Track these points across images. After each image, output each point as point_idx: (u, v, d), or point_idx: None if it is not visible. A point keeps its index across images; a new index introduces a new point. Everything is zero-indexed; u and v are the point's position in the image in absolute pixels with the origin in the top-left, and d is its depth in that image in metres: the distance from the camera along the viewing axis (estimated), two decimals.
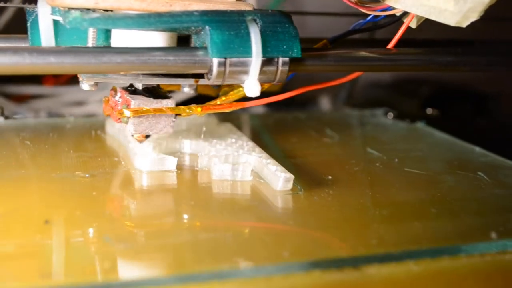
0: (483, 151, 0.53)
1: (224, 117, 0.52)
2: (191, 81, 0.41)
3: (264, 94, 0.41)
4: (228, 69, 0.37)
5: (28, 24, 0.41)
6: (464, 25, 0.38)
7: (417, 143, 0.56)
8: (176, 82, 0.41)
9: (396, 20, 0.42)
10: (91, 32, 0.40)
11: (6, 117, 0.55)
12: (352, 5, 0.40)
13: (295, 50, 0.38)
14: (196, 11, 0.37)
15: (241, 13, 0.38)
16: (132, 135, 0.43)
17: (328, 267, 0.32)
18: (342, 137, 0.56)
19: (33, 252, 0.32)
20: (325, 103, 0.74)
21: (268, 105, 0.62)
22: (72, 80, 0.69)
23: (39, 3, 0.41)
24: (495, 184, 0.46)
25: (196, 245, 0.34)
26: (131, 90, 0.42)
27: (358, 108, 0.67)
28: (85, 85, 0.42)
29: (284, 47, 0.38)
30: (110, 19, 0.37)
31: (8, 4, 0.48)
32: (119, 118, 0.42)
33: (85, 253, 0.33)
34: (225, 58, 0.37)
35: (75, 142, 0.49)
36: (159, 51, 0.37)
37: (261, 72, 0.38)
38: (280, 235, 0.36)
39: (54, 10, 0.40)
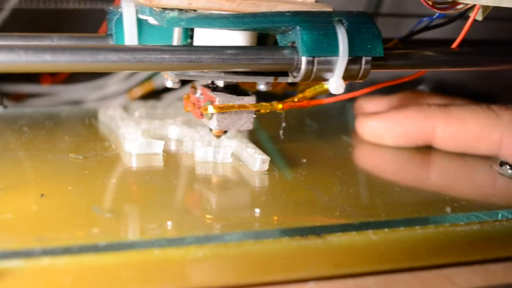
0: None
1: None
2: (271, 79, 0.43)
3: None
4: (315, 67, 0.39)
5: (112, 24, 0.43)
6: None
7: None
8: (257, 80, 0.44)
9: (462, 15, 0.44)
10: (176, 31, 0.43)
11: (5, 107, 0.59)
12: (429, 6, 0.42)
13: (378, 50, 0.40)
14: (288, 11, 0.39)
15: (328, 14, 0.40)
16: (211, 130, 0.45)
17: (295, 235, 0.36)
18: (320, 126, 0.60)
19: (30, 219, 0.36)
20: None
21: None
22: (69, 79, 0.70)
23: (124, 4, 0.43)
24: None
25: (178, 212, 0.38)
26: (212, 87, 0.44)
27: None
28: (169, 82, 0.44)
29: (368, 46, 0.40)
30: (206, 19, 0.39)
31: (94, 6, 0.51)
32: (202, 114, 0.44)
33: (77, 219, 0.36)
34: (313, 57, 0.39)
35: (70, 128, 0.53)
36: (249, 50, 0.39)
37: (345, 70, 0.40)
38: (253, 207, 0.40)
39: (142, 10, 0.42)
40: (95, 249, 0.33)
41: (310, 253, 0.36)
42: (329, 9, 0.41)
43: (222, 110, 0.43)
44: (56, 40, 0.44)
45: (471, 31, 0.43)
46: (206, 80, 0.45)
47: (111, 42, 0.44)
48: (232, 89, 0.44)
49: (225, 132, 0.45)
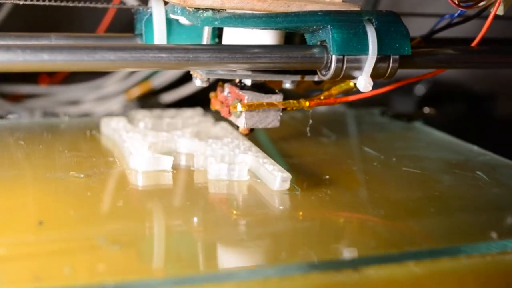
0: (482, 150, 0.53)
1: (220, 117, 0.52)
2: (298, 77, 0.43)
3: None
4: (345, 65, 0.39)
5: (142, 23, 0.44)
6: None
7: (414, 142, 0.56)
8: (284, 78, 0.44)
9: (483, 11, 0.44)
10: (206, 30, 0.44)
11: (0, 117, 0.55)
12: (455, 5, 0.42)
13: (406, 48, 0.40)
14: (320, 11, 0.40)
15: (358, 13, 0.40)
16: (237, 128, 0.45)
17: (327, 269, 0.32)
18: (339, 137, 0.55)
19: (27, 254, 0.32)
20: None
21: None
22: (67, 79, 0.69)
23: (154, 4, 0.44)
24: (493, 183, 0.45)
25: (191, 247, 0.34)
26: (241, 86, 0.44)
27: (355, 108, 0.67)
28: (198, 81, 0.44)
29: (396, 45, 0.40)
30: (240, 19, 0.40)
31: (122, 6, 0.50)
32: (230, 112, 0.44)
33: (79, 255, 0.32)
34: (343, 55, 0.39)
35: (70, 142, 0.49)
36: (279, 49, 0.40)
37: (374, 68, 0.40)
38: (277, 236, 0.36)
39: (174, 10, 0.42)
40: None
41: None
42: (357, 8, 0.42)
43: (251, 108, 0.43)
44: (53, 39, 0.44)
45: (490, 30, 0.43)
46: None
47: (140, 42, 0.45)
48: (259, 87, 0.44)
49: (252, 130, 0.45)
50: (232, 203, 0.40)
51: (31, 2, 0.42)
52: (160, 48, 0.38)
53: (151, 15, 0.44)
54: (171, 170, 0.43)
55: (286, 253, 0.33)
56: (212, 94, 0.47)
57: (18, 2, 0.42)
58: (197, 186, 0.42)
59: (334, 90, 0.44)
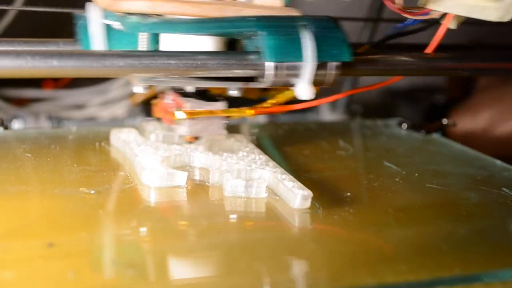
0: (505, 164, 0.51)
1: (232, 128, 0.50)
2: (240, 84, 0.42)
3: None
4: (281, 72, 0.38)
5: (79, 29, 0.42)
6: (506, 19, 0.38)
7: (435, 156, 0.54)
8: (227, 85, 0.42)
9: (435, 22, 0.43)
10: (141, 36, 0.42)
11: (6, 128, 0.53)
12: (398, 11, 0.41)
13: (346, 55, 0.39)
14: (252, 16, 0.39)
15: (293, 19, 0.39)
16: (182, 136, 0.44)
17: None
18: (356, 150, 0.53)
19: (36, 278, 0.30)
20: (324, 109, 0.73)
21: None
22: (71, 83, 0.68)
23: (89, 8, 0.42)
24: None
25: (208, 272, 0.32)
26: (183, 93, 0.44)
27: (371, 118, 0.65)
28: (140, 88, 0.43)
29: (335, 51, 0.39)
30: (167, 24, 0.39)
31: (60, 10, 0.49)
32: (172, 120, 0.43)
33: (93, 278, 0.30)
34: (279, 62, 0.38)
35: (79, 154, 0.47)
36: (214, 55, 0.39)
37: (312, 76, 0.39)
38: (296, 259, 0.34)
39: (108, 15, 0.41)
40: None
41: None
42: (297, 13, 0.41)
43: (192, 115, 0.42)
44: (61, 45, 0.44)
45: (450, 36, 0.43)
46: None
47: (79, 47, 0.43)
48: (202, 94, 0.44)
49: (197, 138, 0.45)
50: (251, 223, 0.38)
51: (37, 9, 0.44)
52: (168, 55, 0.38)
53: (86, 20, 0.42)
54: (186, 185, 0.41)
55: (307, 279, 0.31)
56: (154, 101, 0.46)
57: (26, 9, 0.42)
58: (213, 203, 0.40)
59: (280, 97, 0.44)
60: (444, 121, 0.64)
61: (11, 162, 0.44)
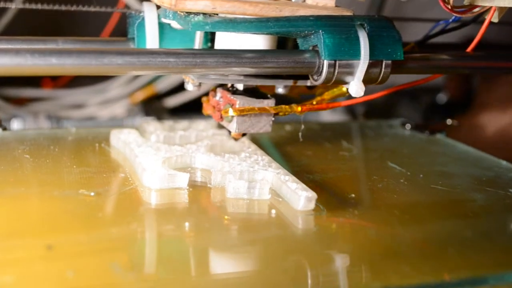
0: (511, 165, 0.50)
1: None
2: (290, 82, 0.43)
3: None
4: (337, 70, 0.39)
5: (134, 27, 0.43)
6: None
7: (440, 157, 0.53)
8: (276, 83, 0.44)
9: (478, 17, 0.44)
10: (198, 35, 0.43)
11: (4, 129, 0.52)
12: (448, 10, 0.41)
13: (399, 53, 0.40)
14: (311, 16, 0.40)
15: (350, 18, 0.40)
16: (230, 133, 0.45)
17: None
18: (359, 150, 0.53)
19: (35, 282, 0.29)
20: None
21: None
22: (70, 83, 0.68)
23: (146, 8, 0.43)
24: None
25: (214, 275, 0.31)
26: (233, 90, 0.44)
27: (372, 118, 0.64)
28: (190, 85, 0.44)
29: (389, 50, 0.40)
30: (231, 23, 0.39)
31: (120, 10, 0.50)
32: (221, 117, 0.44)
33: (92, 281, 0.29)
34: (335, 60, 0.39)
35: (78, 155, 0.46)
36: (270, 53, 0.40)
37: (366, 73, 0.40)
38: (303, 263, 0.33)
39: (166, 14, 0.42)
40: None
41: None
42: (349, 13, 0.41)
43: (243, 112, 0.43)
44: (60, 43, 0.44)
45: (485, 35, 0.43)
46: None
47: (132, 46, 0.44)
48: (251, 92, 0.44)
49: (244, 134, 0.45)
50: (252, 224, 0.37)
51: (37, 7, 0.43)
52: (167, 53, 0.38)
53: (143, 19, 0.43)
54: (187, 187, 0.41)
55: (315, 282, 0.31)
56: (204, 99, 0.46)
57: (26, 7, 0.42)
58: (215, 205, 0.39)
59: (327, 95, 0.44)
60: (448, 121, 0.63)
61: (10, 163, 0.44)
